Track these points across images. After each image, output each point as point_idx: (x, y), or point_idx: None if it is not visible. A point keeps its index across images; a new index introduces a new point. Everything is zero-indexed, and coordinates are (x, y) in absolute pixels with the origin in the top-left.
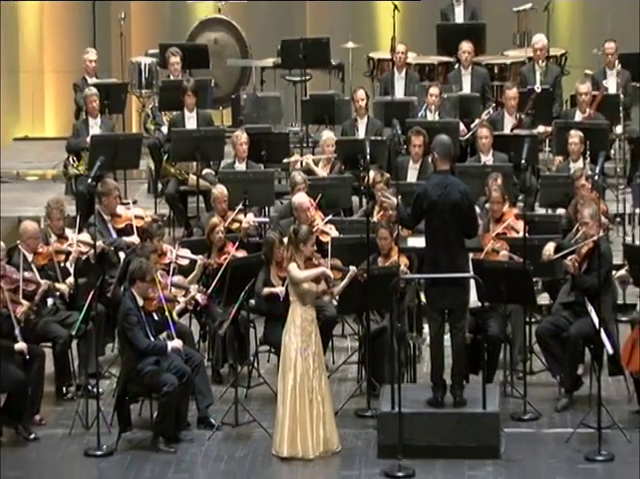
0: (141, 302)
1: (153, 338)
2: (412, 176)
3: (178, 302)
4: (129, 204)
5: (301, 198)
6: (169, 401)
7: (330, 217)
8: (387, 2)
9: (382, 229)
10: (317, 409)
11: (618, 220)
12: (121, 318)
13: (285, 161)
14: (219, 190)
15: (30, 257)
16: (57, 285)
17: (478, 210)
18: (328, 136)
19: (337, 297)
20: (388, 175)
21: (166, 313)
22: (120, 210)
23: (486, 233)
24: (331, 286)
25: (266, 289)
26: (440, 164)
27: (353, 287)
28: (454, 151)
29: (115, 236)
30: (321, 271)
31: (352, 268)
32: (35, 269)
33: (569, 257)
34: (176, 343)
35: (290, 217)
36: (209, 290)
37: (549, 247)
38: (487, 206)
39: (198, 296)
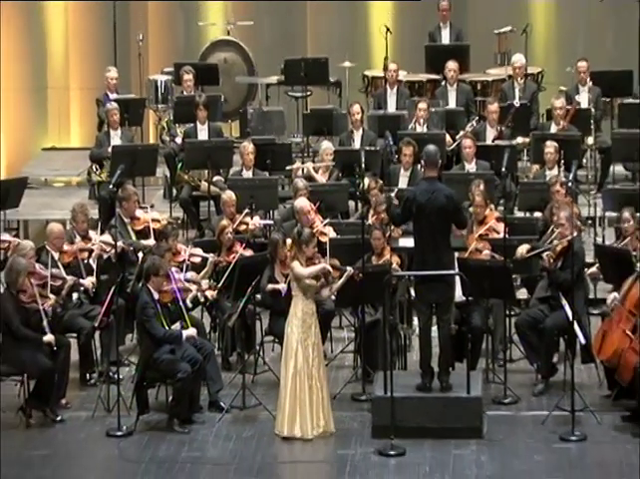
0: (156, 296)
1: (168, 327)
2: (402, 182)
3: (191, 291)
4: (147, 207)
5: (302, 202)
6: (183, 386)
7: (328, 219)
8: (380, 25)
9: (376, 230)
10: (316, 394)
11: (590, 222)
12: (139, 311)
13: (288, 168)
14: (228, 195)
15: (56, 256)
16: (81, 281)
17: None
18: (327, 146)
19: (335, 293)
20: (381, 181)
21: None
22: (139, 213)
23: (470, 234)
24: (330, 281)
25: (270, 286)
26: (427, 171)
27: (349, 284)
28: (440, 159)
29: (133, 236)
30: (321, 267)
31: (349, 269)
32: (61, 267)
33: (546, 254)
34: (191, 332)
35: (292, 219)
36: (219, 285)
37: (523, 247)
38: (471, 209)
39: (208, 293)
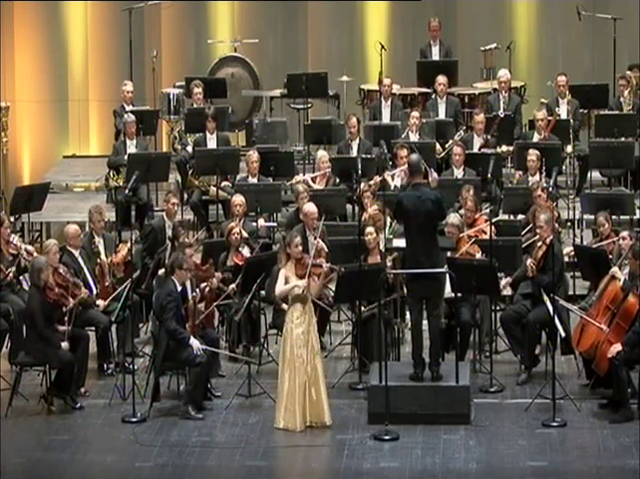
0: (179, 288)
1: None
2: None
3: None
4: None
5: (311, 206)
6: (202, 370)
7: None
8: (376, 43)
9: (367, 227)
10: (308, 391)
11: (569, 224)
12: (163, 297)
13: (288, 184)
14: (240, 198)
15: (77, 254)
16: (97, 301)
17: (453, 215)
18: (322, 154)
19: (333, 290)
20: (373, 186)
21: None
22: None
23: (461, 237)
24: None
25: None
26: (414, 178)
27: (347, 281)
28: (424, 165)
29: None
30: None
31: (328, 266)
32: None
33: (529, 261)
34: (196, 343)
35: (295, 223)
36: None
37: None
38: (462, 211)
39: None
